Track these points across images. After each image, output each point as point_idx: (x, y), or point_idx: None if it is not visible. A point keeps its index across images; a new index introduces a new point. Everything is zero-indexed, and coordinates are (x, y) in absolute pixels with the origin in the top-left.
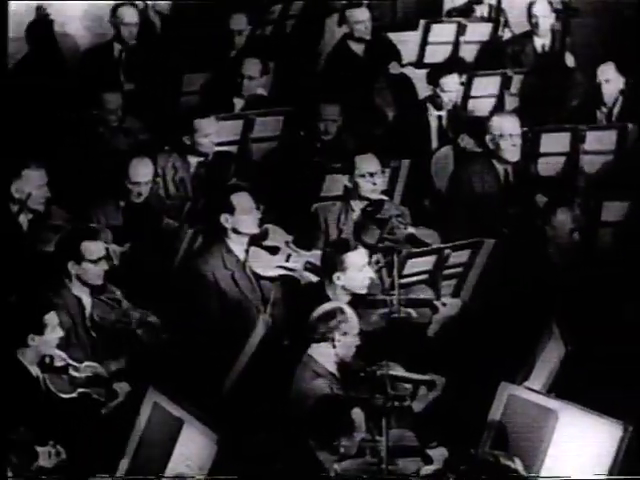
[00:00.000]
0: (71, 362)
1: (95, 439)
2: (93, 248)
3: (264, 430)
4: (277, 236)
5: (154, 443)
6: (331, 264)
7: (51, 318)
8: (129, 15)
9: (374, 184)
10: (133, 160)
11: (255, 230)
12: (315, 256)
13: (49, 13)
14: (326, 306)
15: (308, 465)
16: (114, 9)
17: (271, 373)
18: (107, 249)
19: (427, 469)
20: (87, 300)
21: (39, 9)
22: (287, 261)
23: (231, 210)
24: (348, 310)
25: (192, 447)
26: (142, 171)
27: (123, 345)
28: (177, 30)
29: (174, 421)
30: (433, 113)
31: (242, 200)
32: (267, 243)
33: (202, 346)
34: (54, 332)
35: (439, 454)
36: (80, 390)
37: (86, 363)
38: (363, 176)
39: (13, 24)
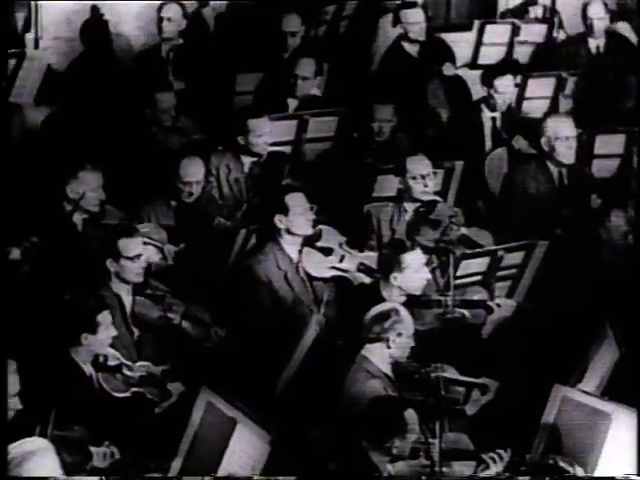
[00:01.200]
0: (125, 361)
1: (148, 439)
2: (131, 245)
3: (317, 430)
4: (330, 237)
5: (207, 443)
6: (388, 264)
7: (104, 317)
8: (174, 12)
9: (425, 186)
10: (184, 160)
11: (309, 231)
12: (369, 257)
13: (104, 13)
14: (381, 307)
15: (361, 466)
16: (159, 8)
17: (324, 373)
18: (162, 249)
19: (484, 472)
20: (127, 297)
21: (94, 9)
22: (340, 262)
23: (285, 211)
24: (403, 311)
25: (245, 447)
26: (193, 171)
27: (168, 341)
28: (231, 30)
29: (227, 421)
30: (487, 114)
31: (296, 201)
32: (320, 244)
33: (255, 346)
34: (107, 331)
35: (497, 457)
36: (134, 389)
37: (140, 363)
38: (414, 178)
39: (68, 24)
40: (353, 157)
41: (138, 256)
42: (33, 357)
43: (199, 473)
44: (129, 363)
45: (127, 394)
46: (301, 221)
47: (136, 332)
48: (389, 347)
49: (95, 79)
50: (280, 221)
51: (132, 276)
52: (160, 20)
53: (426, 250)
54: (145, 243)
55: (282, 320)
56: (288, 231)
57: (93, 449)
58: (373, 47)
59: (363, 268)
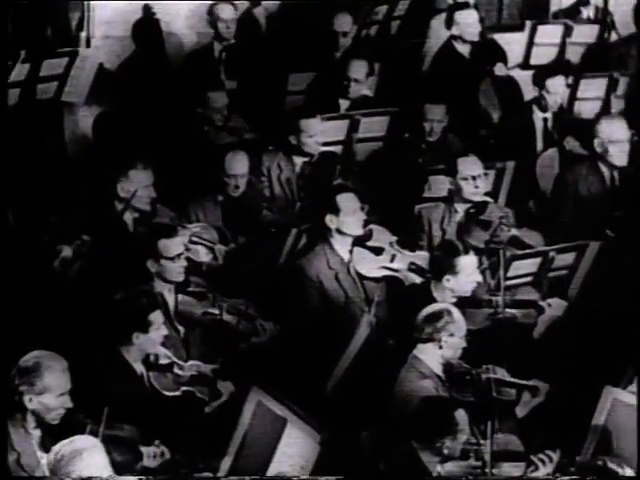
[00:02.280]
0: (176, 360)
1: (198, 438)
2: (171, 246)
3: (367, 430)
4: (381, 237)
5: (257, 442)
6: (441, 266)
7: (156, 316)
8: (226, 12)
9: (476, 187)
10: (229, 153)
11: (360, 231)
12: (419, 257)
13: (155, 12)
14: (433, 307)
15: (411, 466)
16: (211, 7)
17: (374, 373)
18: (212, 249)
19: (534, 474)
20: (170, 296)
21: (146, 8)
22: (391, 262)
23: (336, 211)
24: (455, 311)
25: (295, 447)
26: (237, 164)
27: (216, 339)
28: (283, 29)
29: (277, 420)
30: (538, 115)
31: (348, 201)
32: (371, 244)
33: (306, 346)
34: (159, 330)
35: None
36: (184, 388)
37: (191, 362)
38: (465, 179)
39: (120, 23)
40: (404, 157)
41: (179, 256)
42: (84, 355)
43: (249, 473)
44: (180, 362)
45: (177, 393)
46: (352, 221)
47: (182, 330)
48: (441, 347)
49: (147, 78)
50: (331, 221)
51: (173, 276)
52: (212, 20)
53: (477, 251)
54: (195, 242)
55: (333, 320)
56: (339, 231)
57: (143, 448)
58: (424, 47)
59: (414, 268)
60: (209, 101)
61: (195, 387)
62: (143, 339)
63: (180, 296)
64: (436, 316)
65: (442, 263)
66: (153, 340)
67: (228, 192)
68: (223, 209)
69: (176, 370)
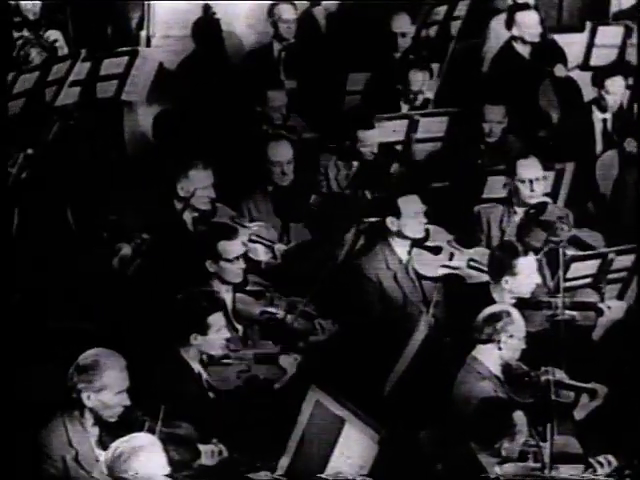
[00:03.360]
0: (233, 361)
1: (256, 437)
2: (230, 248)
3: (426, 430)
4: (439, 236)
5: (315, 442)
6: (500, 267)
7: (216, 319)
8: (286, 12)
9: (533, 191)
10: (271, 142)
11: (420, 235)
12: (478, 253)
13: (215, 12)
14: (493, 308)
15: (469, 467)
16: (271, 7)
17: (433, 374)
18: (272, 247)
19: (592, 476)
20: (227, 296)
21: (206, 8)
22: (450, 260)
23: (397, 214)
24: (515, 313)
25: (353, 446)
26: (281, 151)
27: (274, 337)
28: (342, 29)
29: (336, 420)
30: (598, 116)
31: (410, 205)
32: (429, 243)
33: (364, 346)
34: (219, 333)
35: (605, 462)
36: (243, 387)
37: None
38: (523, 182)
39: (180, 22)
40: (463, 158)
41: (238, 258)
42: (143, 353)
43: (307, 472)
44: (237, 361)
45: (236, 392)
46: (413, 224)
47: (240, 329)
48: (500, 349)
49: (206, 77)
50: (392, 223)
51: (231, 277)
52: (273, 20)
53: (536, 251)
54: (255, 241)
55: (391, 320)
56: (399, 234)
57: (201, 446)
58: (484, 48)
59: (473, 264)
60: (268, 100)
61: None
62: (202, 341)
63: (238, 295)
64: (495, 317)
65: (501, 264)
66: (212, 342)
67: (275, 181)
68: (272, 199)
69: (234, 369)
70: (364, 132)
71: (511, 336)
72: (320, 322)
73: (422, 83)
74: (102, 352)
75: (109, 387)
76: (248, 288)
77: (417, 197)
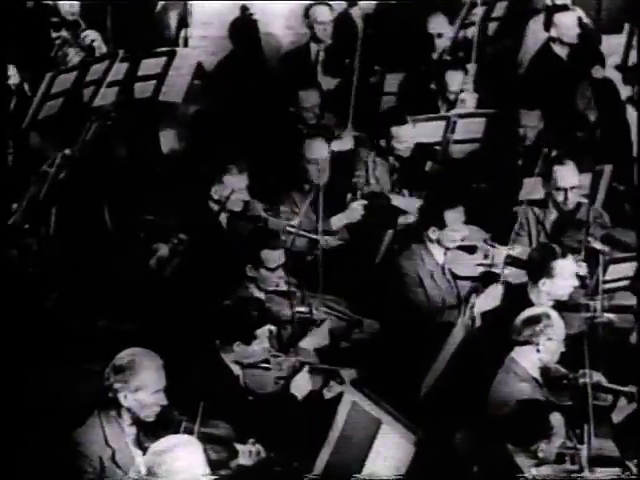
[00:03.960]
0: (271, 365)
1: (293, 437)
2: (272, 257)
3: (462, 432)
4: (474, 235)
5: (352, 443)
6: (538, 269)
7: (263, 332)
8: (322, 14)
9: (567, 199)
10: (307, 140)
11: (456, 244)
12: (514, 251)
13: (253, 12)
14: (532, 310)
15: (505, 469)
16: (307, 9)
17: (470, 375)
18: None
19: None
20: (260, 293)
21: (243, 8)
22: (486, 258)
23: (442, 226)
24: (555, 316)
25: (389, 448)
26: (316, 148)
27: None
28: (380, 30)
29: (372, 421)
30: (632, 114)
31: (455, 217)
32: (464, 243)
33: (400, 347)
34: (262, 344)
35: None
36: (280, 387)
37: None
38: (558, 189)
39: (218, 23)
40: (500, 159)
41: (278, 267)
42: (181, 353)
43: (343, 473)
44: (277, 366)
45: (273, 392)
46: (453, 235)
47: (274, 328)
48: (538, 351)
49: (243, 78)
50: (433, 232)
51: (269, 284)
52: (309, 22)
53: (572, 252)
54: (299, 235)
55: (428, 321)
56: (439, 242)
57: (239, 447)
58: (522, 49)
59: (510, 261)
60: (301, 100)
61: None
62: (243, 349)
63: (267, 295)
64: (535, 319)
65: (539, 266)
66: (253, 352)
67: (312, 179)
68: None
69: (272, 369)
70: (398, 128)
71: (550, 339)
72: (354, 319)
73: (455, 72)
74: (138, 351)
75: (145, 386)
76: (280, 288)
77: (463, 209)
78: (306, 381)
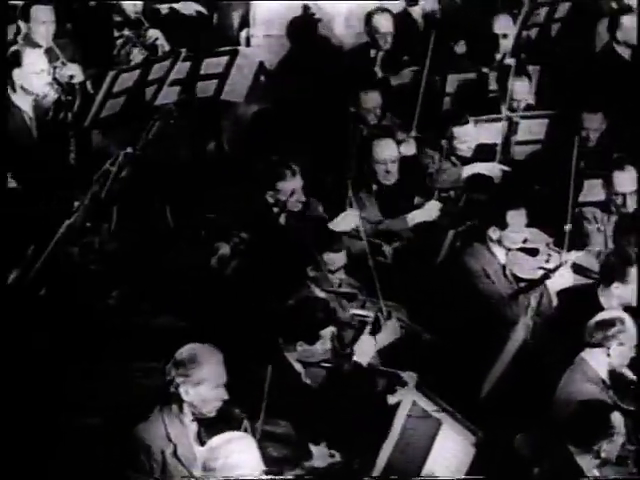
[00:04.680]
0: (333, 365)
1: (354, 437)
2: (335, 259)
3: (523, 433)
4: (537, 238)
5: (412, 443)
6: (612, 273)
7: (326, 332)
8: (384, 25)
9: (625, 205)
10: (374, 140)
11: (518, 245)
12: (577, 257)
13: (314, 12)
14: (607, 314)
15: (567, 469)
16: (368, 17)
17: (531, 376)
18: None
19: None
20: (320, 294)
21: (305, 8)
22: (547, 262)
23: (504, 226)
24: (629, 321)
25: (450, 448)
26: (385, 149)
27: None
28: (441, 29)
29: (432, 421)
30: None
31: (517, 219)
32: (526, 245)
33: (462, 347)
34: (324, 344)
35: None
36: (341, 387)
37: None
38: (617, 194)
39: (279, 22)
40: (562, 160)
41: (339, 269)
42: (242, 350)
43: (403, 473)
44: (335, 359)
45: (334, 392)
46: (514, 237)
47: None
48: (609, 355)
49: (304, 77)
50: (494, 232)
51: (329, 286)
52: (369, 30)
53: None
54: (353, 236)
55: (489, 321)
56: (499, 243)
57: (313, 448)
58: (585, 50)
59: (575, 268)
60: (362, 101)
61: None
62: (306, 349)
63: (330, 295)
64: (609, 323)
65: (614, 270)
66: (315, 352)
67: (380, 180)
68: (377, 197)
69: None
70: (459, 128)
71: (622, 344)
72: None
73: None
74: (199, 346)
75: (207, 380)
76: (342, 290)
77: (525, 212)
78: (370, 345)
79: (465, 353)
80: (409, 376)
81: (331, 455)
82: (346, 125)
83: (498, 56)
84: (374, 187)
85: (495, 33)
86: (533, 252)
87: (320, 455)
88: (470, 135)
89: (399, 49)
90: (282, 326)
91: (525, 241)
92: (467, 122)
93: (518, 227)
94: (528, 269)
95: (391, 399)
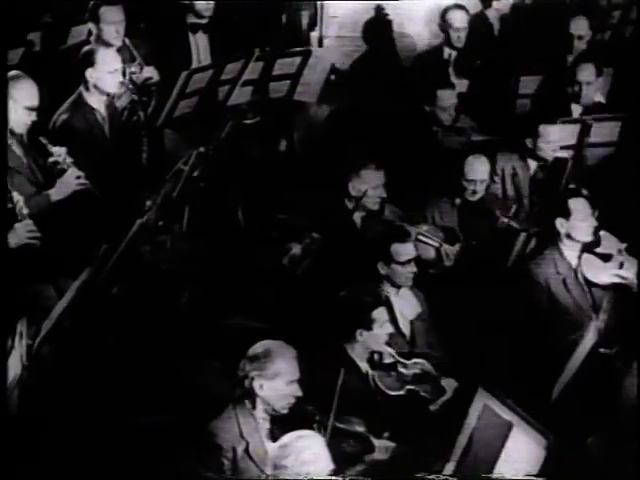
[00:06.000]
0: (400, 359)
1: (423, 438)
2: (402, 250)
3: (594, 436)
4: (610, 243)
5: (482, 445)
6: None
7: (380, 314)
8: (458, 20)
9: None
10: (469, 157)
11: (589, 237)
12: None
13: (388, 13)
14: None
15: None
16: (443, 13)
17: (601, 379)
18: (438, 250)
19: None
20: (395, 298)
21: (378, 9)
22: (620, 269)
23: (567, 215)
24: None
25: (520, 451)
26: (479, 169)
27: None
28: (516, 32)
29: (503, 424)
30: None
31: (579, 206)
32: (600, 250)
33: (532, 350)
34: (383, 328)
35: None
36: (408, 387)
37: (414, 360)
38: None
39: (352, 23)
40: (636, 163)
41: (409, 261)
42: (312, 350)
43: (473, 475)
44: (404, 361)
45: (401, 392)
46: (583, 227)
47: (406, 330)
48: None
49: (377, 78)
50: (562, 225)
51: (402, 280)
52: (444, 26)
53: None
54: (421, 241)
55: (560, 325)
56: (568, 236)
57: (375, 441)
58: None
59: None
60: (437, 99)
61: (418, 385)
62: (367, 336)
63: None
64: None
65: None
66: (377, 337)
67: (465, 196)
68: (459, 212)
69: (400, 369)
70: (546, 127)
71: None
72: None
73: (590, 74)
74: (273, 342)
75: (281, 374)
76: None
77: (586, 199)
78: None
79: (536, 355)
80: (447, 382)
81: (392, 448)
82: (420, 125)
83: (570, 58)
84: (457, 201)
85: (571, 34)
86: (606, 257)
87: (382, 448)
88: (556, 136)
89: (473, 50)
90: (337, 318)
91: (598, 243)
92: (554, 122)
93: (582, 214)
94: (601, 274)
95: (432, 407)
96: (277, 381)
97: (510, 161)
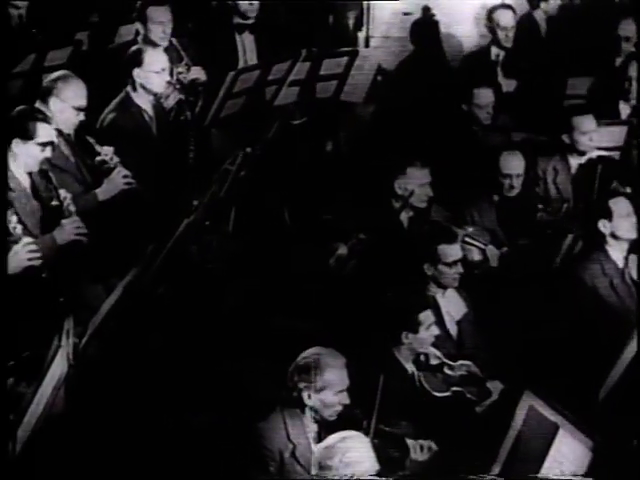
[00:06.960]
0: (446, 360)
1: (469, 439)
2: (449, 251)
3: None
4: None
5: (528, 446)
6: None
7: (426, 316)
8: (506, 18)
9: None
10: (503, 153)
11: (634, 235)
12: None
13: (435, 13)
14: None
15: None
16: (490, 12)
17: None
18: (484, 251)
19: None
20: (442, 299)
21: (425, 9)
22: None
23: (609, 216)
24: None
25: (566, 452)
26: (513, 163)
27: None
28: (563, 32)
29: (549, 426)
30: None
31: (620, 205)
32: None
33: (579, 352)
34: (429, 330)
35: None
36: (454, 389)
37: (460, 361)
38: None
39: (398, 23)
40: None
41: (456, 262)
42: (359, 353)
43: (519, 477)
44: (450, 362)
45: (447, 393)
46: (625, 225)
47: (454, 332)
48: None
49: (424, 79)
50: (604, 226)
51: (448, 281)
52: (491, 25)
53: None
54: (467, 243)
55: (606, 326)
56: (613, 235)
57: (409, 442)
58: None
59: None
60: (474, 98)
61: (464, 387)
62: (412, 338)
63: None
64: None
65: None
66: (423, 340)
67: (503, 192)
68: (498, 209)
69: (446, 370)
70: (580, 118)
71: None
72: None
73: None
74: (322, 351)
75: (330, 386)
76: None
77: (626, 197)
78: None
79: (582, 357)
80: (493, 385)
81: (429, 448)
82: (459, 124)
83: (618, 60)
84: (495, 197)
85: (618, 35)
86: None
87: (417, 448)
88: (591, 127)
89: (521, 50)
90: (384, 320)
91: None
92: (587, 112)
93: (625, 214)
94: None
95: (478, 409)
96: (325, 392)
97: (551, 161)
